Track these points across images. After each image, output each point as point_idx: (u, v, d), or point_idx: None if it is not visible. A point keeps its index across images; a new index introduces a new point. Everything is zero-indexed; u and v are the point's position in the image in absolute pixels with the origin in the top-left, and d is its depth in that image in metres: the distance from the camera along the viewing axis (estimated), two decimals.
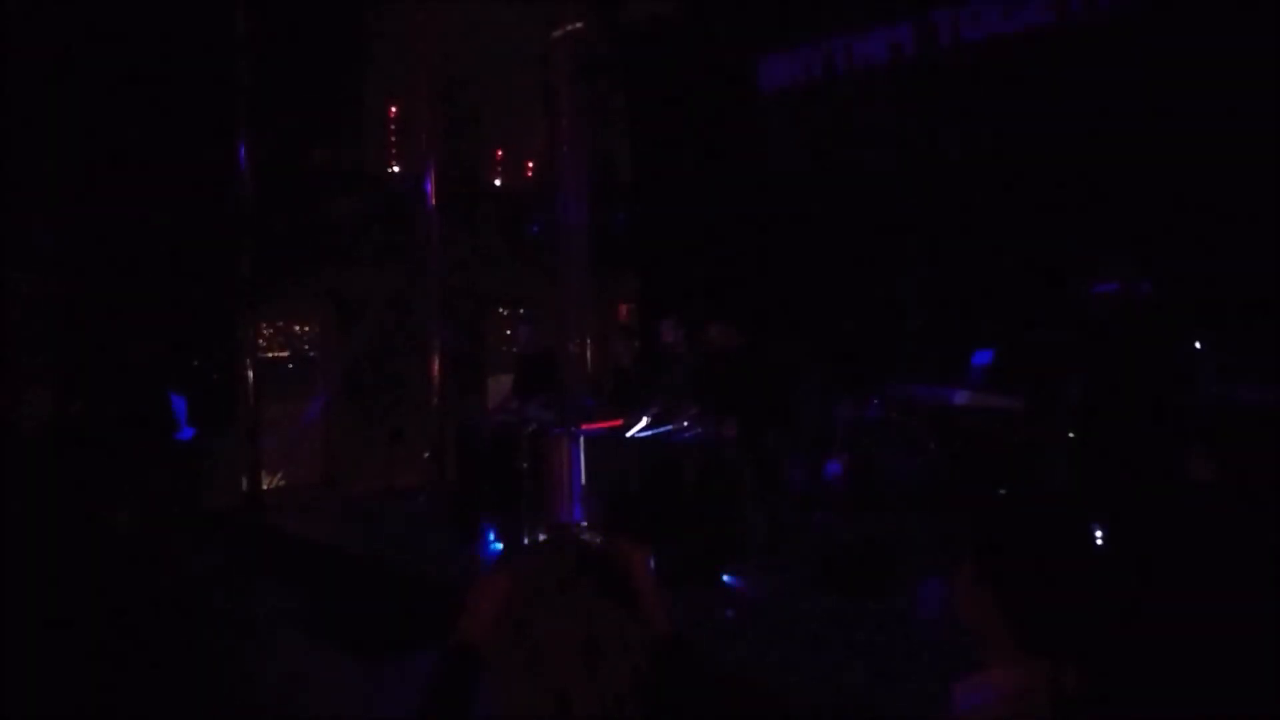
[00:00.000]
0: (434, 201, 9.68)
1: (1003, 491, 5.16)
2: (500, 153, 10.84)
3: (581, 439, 6.56)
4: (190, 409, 7.66)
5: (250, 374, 8.49)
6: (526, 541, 6.64)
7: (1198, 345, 4.60)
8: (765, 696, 4.10)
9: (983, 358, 5.71)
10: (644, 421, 6.39)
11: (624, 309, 10.25)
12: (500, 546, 6.82)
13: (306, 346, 9.90)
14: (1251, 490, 4.07)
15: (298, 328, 9.87)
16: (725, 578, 5.59)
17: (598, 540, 1.60)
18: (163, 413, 7.49)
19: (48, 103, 7.45)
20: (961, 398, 5.52)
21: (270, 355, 9.50)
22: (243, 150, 8.37)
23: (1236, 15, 5.56)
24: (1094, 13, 6.35)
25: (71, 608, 4.76)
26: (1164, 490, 4.25)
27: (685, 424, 6.17)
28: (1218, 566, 3.77)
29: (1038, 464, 5.08)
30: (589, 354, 9.49)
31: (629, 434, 6.35)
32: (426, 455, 9.07)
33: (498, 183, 10.85)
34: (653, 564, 1.56)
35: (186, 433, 7.61)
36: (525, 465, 6.91)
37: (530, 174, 11.10)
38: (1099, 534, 3.93)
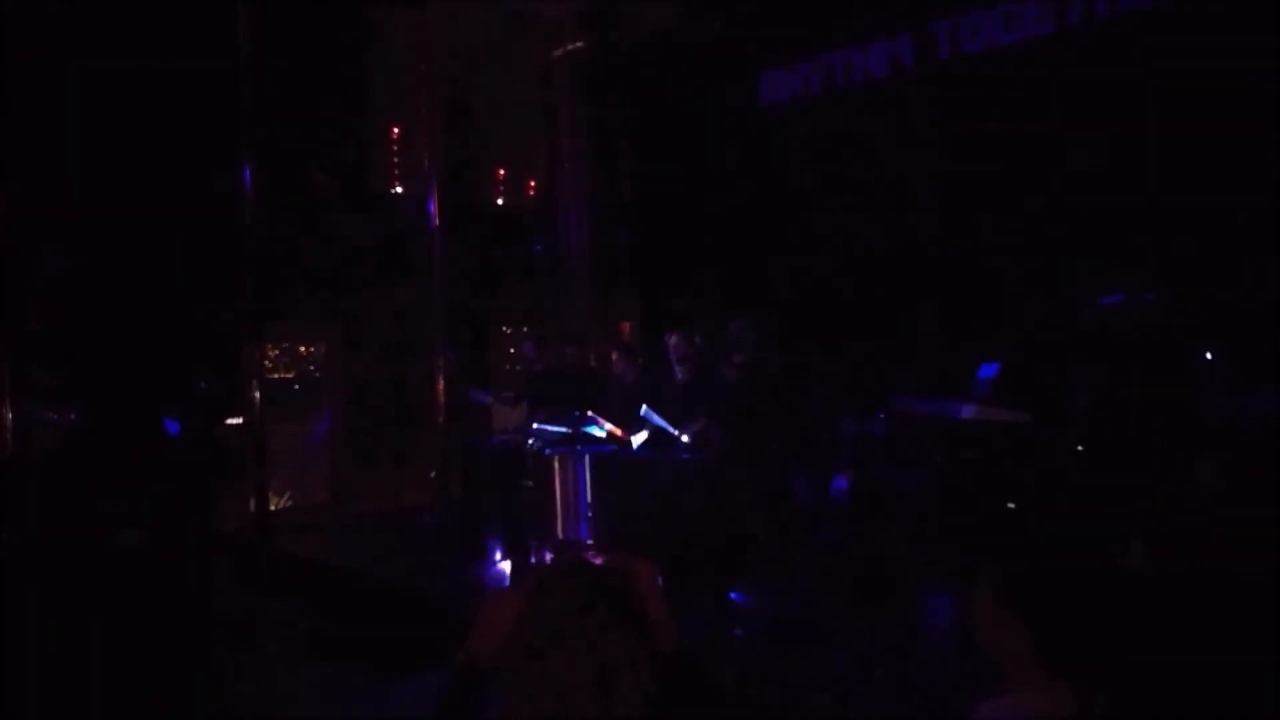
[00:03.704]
0: (436, 221, 9.72)
1: (1011, 505, 5.13)
2: (502, 172, 10.87)
3: (587, 457, 6.55)
4: (184, 430, 7.70)
5: (256, 395, 8.51)
6: (534, 560, 6.62)
7: (1207, 355, 4.58)
8: (773, 714, 4.07)
9: (989, 370, 5.69)
10: (645, 435, 6.39)
11: (626, 326, 10.25)
12: (506, 565, 6.80)
13: (311, 367, 9.91)
14: (1263, 501, 4.04)
15: (303, 348, 9.87)
16: (733, 595, 5.57)
17: (604, 559, 1.58)
18: (158, 435, 7.52)
19: (54, 126, 7.49)
20: (968, 411, 5.49)
21: (276, 376, 9.51)
22: (247, 172, 8.40)
23: (1236, 21, 5.56)
24: (1092, 23, 6.36)
25: (80, 626, 4.75)
26: (1174, 503, 4.21)
27: (688, 435, 6.17)
28: (1230, 580, 3.74)
29: (1046, 477, 5.05)
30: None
31: (634, 441, 6.35)
32: (432, 474, 9.07)
33: (500, 202, 10.87)
34: (660, 581, 1.55)
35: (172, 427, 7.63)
36: (530, 483, 6.90)
37: (532, 193, 11.13)
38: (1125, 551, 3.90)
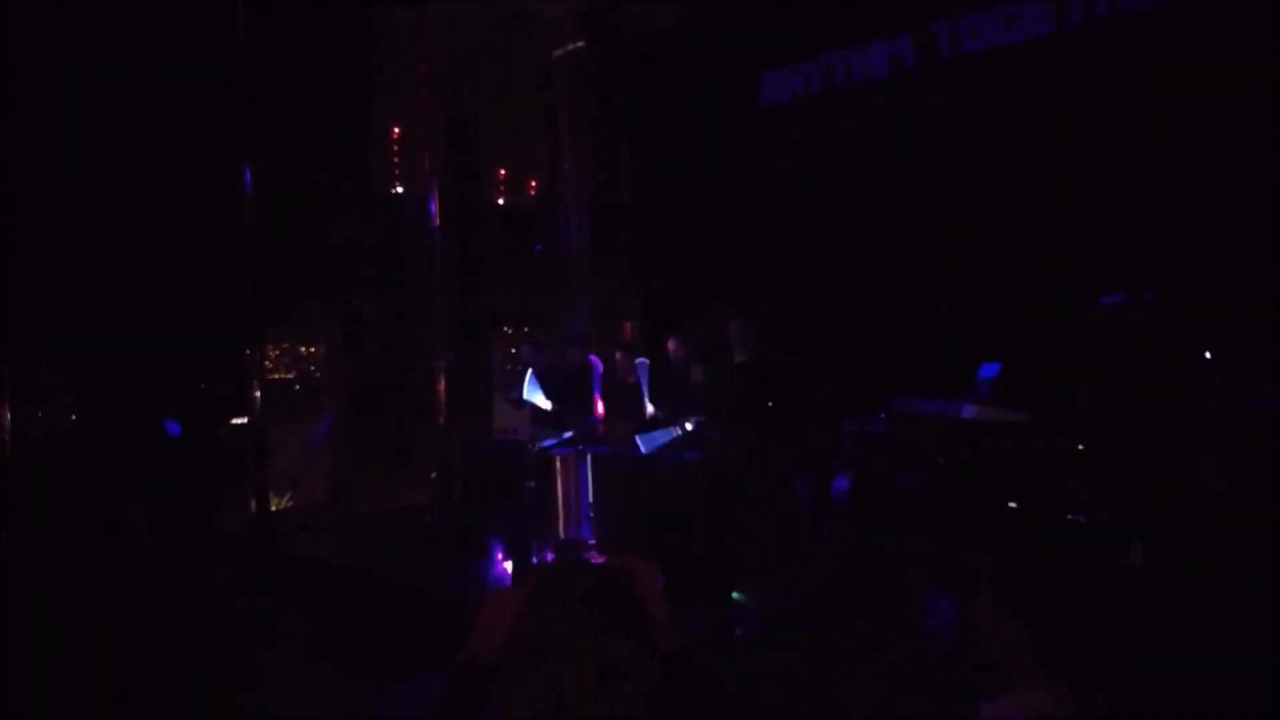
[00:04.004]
0: (437, 222, 9.73)
1: (1012, 505, 5.13)
2: (503, 172, 10.87)
3: (589, 457, 6.55)
4: (185, 431, 7.72)
5: (256, 395, 8.51)
6: (535, 560, 6.63)
7: (1207, 355, 4.58)
8: (774, 714, 4.07)
9: (990, 370, 5.69)
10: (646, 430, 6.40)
11: (627, 326, 10.25)
12: (508, 565, 6.80)
13: (311, 367, 9.91)
14: (1263, 501, 4.04)
15: (303, 348, 9.88)
16: (734, 595, 5.57)
17: (605, 558, 1.59)
18: (159, 436, 7.54)
19: (56, 127, 7.49)
20: (969, 411, 5.49)
21: (276, 376, 9.51)
22: (247, 173, 8.40)
23: (1236, 21, 5.56)
24: (1092, 23, 6.36)
25: (80, 626, 4.75)
26: (1175, 502, 4.22)
27: (687, 430, 6.18)
28: (1230, 580, 3.74)
29: (1046, 477, 5.05)
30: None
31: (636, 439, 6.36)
32: (432, 474, 9.07)
33: (500, 202, 10.87)
34: (660, 581, 1.55)
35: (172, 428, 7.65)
36: (531, 484, 6.90)
37: (533, 193, 11.13)
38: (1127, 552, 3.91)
